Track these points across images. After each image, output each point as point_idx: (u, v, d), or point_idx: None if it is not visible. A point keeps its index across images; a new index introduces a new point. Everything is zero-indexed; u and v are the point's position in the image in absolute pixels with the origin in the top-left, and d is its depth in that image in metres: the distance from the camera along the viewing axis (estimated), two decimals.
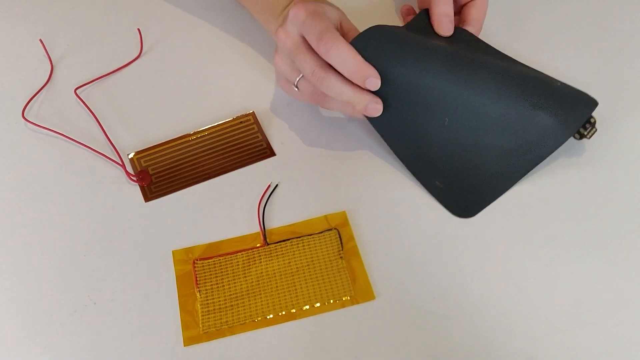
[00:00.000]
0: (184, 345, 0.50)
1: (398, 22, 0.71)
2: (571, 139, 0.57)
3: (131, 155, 0.62)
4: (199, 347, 0.50)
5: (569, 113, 0.56)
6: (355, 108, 0.55)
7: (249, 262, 0.54)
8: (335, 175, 0.60)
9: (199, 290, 0.53)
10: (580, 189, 0.57)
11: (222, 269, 0.54)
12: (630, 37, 0.68)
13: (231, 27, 0.72)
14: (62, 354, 0.50)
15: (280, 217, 0.57)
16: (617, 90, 0.64)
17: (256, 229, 0.56)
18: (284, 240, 0.55)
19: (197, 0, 0.74)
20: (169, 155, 0.61)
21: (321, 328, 0.51)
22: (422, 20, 0.62)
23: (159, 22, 0.72)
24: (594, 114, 0.57)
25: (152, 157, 0.61)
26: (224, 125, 0.63)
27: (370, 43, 0.55)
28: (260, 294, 0.53)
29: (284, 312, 0.52)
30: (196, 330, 0.51)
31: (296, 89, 0.58)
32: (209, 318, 0.51)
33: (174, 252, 0.55)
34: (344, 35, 0.57)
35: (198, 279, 0.53)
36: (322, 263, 0.54)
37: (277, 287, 0.53)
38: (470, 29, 0.62)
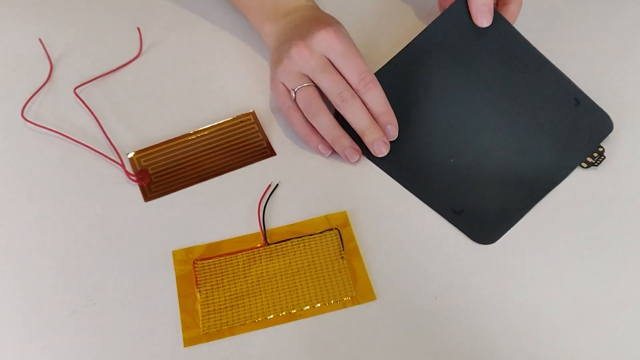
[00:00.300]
0: (184, 346, 0.50)
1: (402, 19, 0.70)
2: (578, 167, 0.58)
3: (131, 155, 0.61)
4: (199, 348, 0.50)
5: (577, 144, 0.58)
6: (365, 138, 0.59)
7: (249, 262, 0.54)
8: (336, 174, 0.59)
9: (199, 291, 0.53)
10: (580, 190, 0.57)
11: (222, 269, 0.54)
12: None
13: (231, 26, 0.71)
14: (62, 354, 0.50)
15: (280, 217, 0.57)
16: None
17: (256, 229, 0.56)
18: (284, 241, 0.55)
19: None
20: (168, 155, 0.61)
21: (322, 328, 0.51)
22: (459, 10, 0.61)
23: (159, 21, 0.72)
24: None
25: (151, 156, 0.61)
26: (224, 125, 0.63)
27: (386, 79, 0.60)
28: (261, 295, 0.52)
29: (284, 313, 0.51)
30: (196, 330, 0.51)
31: (292, 101, 0.60)
32: (209, 318, 0.51)
33: (174, 253, 0.55)
34: None
35: (198, 279, 0.53)
36: (322, 263, 0.54)
37: (277, 287, 0.53)
38: (511, 7, 0.63)
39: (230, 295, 0.52)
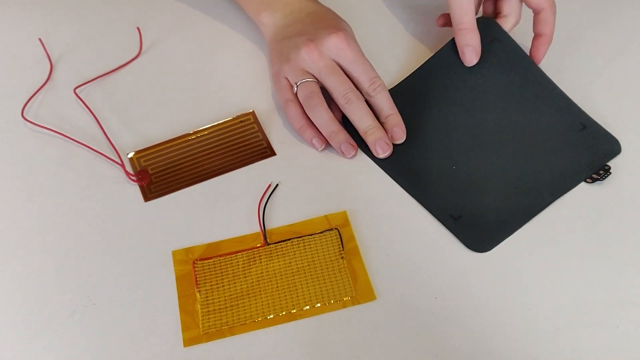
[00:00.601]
0: (184, 346, 0.50)
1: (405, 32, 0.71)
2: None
3: (131, 155, 0.61)
4: (199, 348, 0.50)
5: (581, 164, 0.58)
6: (368, 138, 0.59)
7: (249, 262, 0.54)
8: (336, 174, 0.59)
9: (199, 291, 0.53)
10: (583, 202, 0.57)
11: (222, 269, 0.54)
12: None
13: (231, 26, 0.71)
14: (61, 354, 0.50)
15: (280, 217, 0.57)
16: None
17: (256, 229, 0.56)
18: (284, 240, 0.55)
19: None
20: (168, 155, 0.61)
21: (322, 328, 0.51)
22: (451, 49, 0.64)
23: (159, 21, 0.72)
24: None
25: (151, 156, 0.61)
26: (224, 125, 0.63)
27: (401, 94, 0.62)
28: (261, 294, 0.52)
29: (284, 313, 0.51)
30: (196, 330, 0.51)
31: (292, 94, 0.61)
32: (209, 318, 0.51)
33: (173, 253, 0.55)
34: None
35: (198, 279, 0.53)
36: (322, 263, 0.54)
37: (277, 287, 0.53)
38: (542, 39, 0.63)
39: (230, 295, 0.52)
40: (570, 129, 0.60)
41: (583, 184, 0.57)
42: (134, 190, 0.59)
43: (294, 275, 0.53)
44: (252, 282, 0.53)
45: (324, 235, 0.55)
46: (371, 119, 0.59)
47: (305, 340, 0.50)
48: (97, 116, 0.64)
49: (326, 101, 0.60)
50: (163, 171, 0.60)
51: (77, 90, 0.66)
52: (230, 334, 0.51)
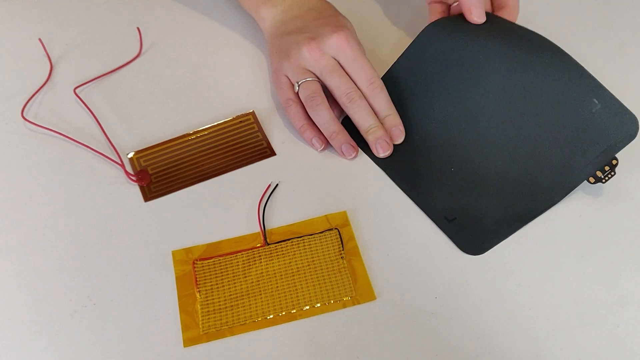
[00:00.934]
0: (184, 346, 0.50)
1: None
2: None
3: (130, 155, 0.61)
4: (199, 348, 0.50)
5: (589, 155, 0.54)
6: (369, 137, 0.59)
7: (249, 262, 0.54)
8: (335, 174, 0.59)
9: (199, 291, 0.53)
10: (580, 190, 0.57)
11: (222, 269, 0.54)
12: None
13: (231, 26, 0.71)
14: (62, 354, 0.50)
15: (280, 217, 0.57)
16: None
17: (256, 229, 0.56)
18: (284, 240, 0.55)
19: None
20: (168, 155, 0.61)
21: (322, 328, 0.51)
22: (436, 33, 0.60)
23: (159, 21, 0.72)
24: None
25: (151, 156, 0.61)
26: (224, 125, 0.63)
27: (391, 83, 0.61)
28: (261, 294, 0.52)
29: (284, 313, 0.51)
30: (196, 330, 0.51)
31: (293, 93, 0.61)
32: (208, 318, 0.51)
33: (173, 253, 0.55)
34: None
35: (198, 279, 0.53)
36: (322, 263, 0.54)
37: (277, 287, 0.53)
38: (507, 11, 0.62)
39: (230, 295, 0.52)
40: (581, 108, 0.53)
41: (586, 184, 0.56)
42: (134, 190, 0.59)
43: (293, 275, 0.53)
44: (252, 282, 0.53)
45: (324, 235, 0.55)
46: (373, 118, 0.60)
47: (305, 340, 0.50)
48: (97, 116, 0.64)
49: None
50: (163, 171, 0.60)
51: (77, 90, 0.66)
52: (230, 334, 0.51)
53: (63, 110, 0.65)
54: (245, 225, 0.56)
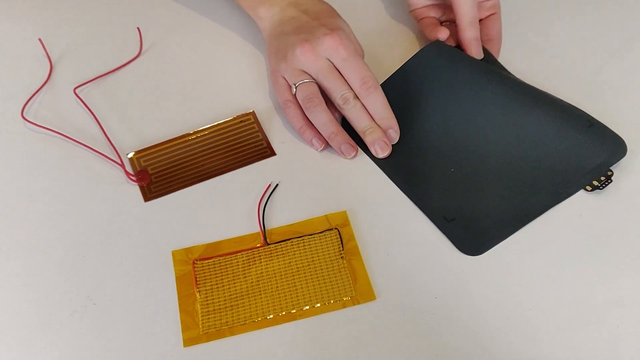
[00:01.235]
0: (184, 346, 0.50)
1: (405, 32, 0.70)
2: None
3: (130, 155, 0.61)
4: (199, 348, 0.50)
5: (584, 167, 0.56)
6: (366, 138, 0.59)
7: (249, 262, 0.54)
8: (335, 174, 0.59)
9: (199, 291, 0.53)
10: (581, 194, 0.57)
11: (222, 269, 0.54)
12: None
13: (231, 26, 0.71)
14: (61, 354, 0.50)
15: (280, 217, 0.57)
16: None
17: (256, 229, 0.56)
18: (284, 240, 0.55)
19: None
20: (168, 155, 0.61)
21: (322, 328, 0.51)
22: (439, 48, 0.63)
23: (159, 21, 0.72)
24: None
25: (151, 156, 0.61)
26: (224, 125, 0.63)
27: (392, 89, 0.62)
28: (261, 294, 0.52)
29: (284, 313, 0.51)
30: (196, 330, 0.51)
31: (291, 95, 0.61)
32: (208, 318, 0.51)
33: (173, 253, 0.55)
34: None
35: (198, 279, 0.53)
36: (322, 263, 0.54)
37: (277, 287, 0.53)
38: (494, 43, 0.66)
39: (230, 295, 0.52)
40: (574, 128, 0.57)
41: (583, 192, 0.56)
42: (134, 190, 0.59)
43: (293, 275, 0.53)
44: (252, 282, 0.53)
45: (324, 235, 0.55)
46: (368, 119, 0.60)
47: (305, 340, 0.50)
48: (97, 116, 0.64)
49: (325, 102, 0.60)
50: (163, 171, 0.60)
51: (77, 90, 0.66)
52: (230, 334, 0.51)
53: (63, 110, 0.65)
54: (245, 225, 0.56)
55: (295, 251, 0.54)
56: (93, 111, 0.64)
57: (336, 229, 0.55)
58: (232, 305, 0.52)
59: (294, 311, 0.51)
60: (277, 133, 0.62)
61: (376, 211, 0.57)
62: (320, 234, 0.55)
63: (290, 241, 0.55)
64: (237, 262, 0.54)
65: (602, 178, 0.56)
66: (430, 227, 0.56)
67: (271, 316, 0.51)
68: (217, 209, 0.57)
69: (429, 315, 0.51)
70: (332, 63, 0.60)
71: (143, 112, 0.65)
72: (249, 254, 0.54)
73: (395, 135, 0.60)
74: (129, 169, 0.60)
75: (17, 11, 0.74)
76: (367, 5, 0.73)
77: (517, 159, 0.58)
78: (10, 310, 0.52)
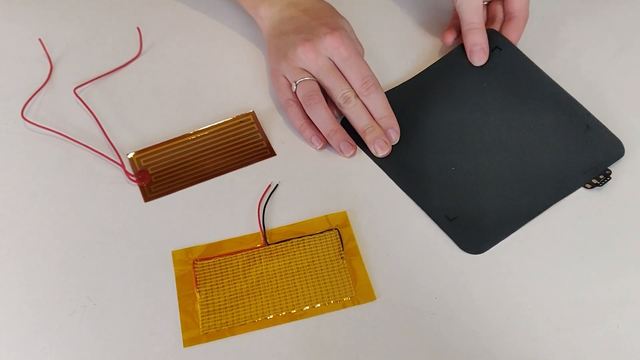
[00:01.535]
0: (184, 346, 0.50)
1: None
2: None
3: (130, 155, 0.61)
4: (199, 348, 0.50)
5: (583, 166, 0.57)
6: (366, 137, 0.59)
7: (249, 262, 0.54)
8: (336, 174, 0.59)
9: (199, 291, 0.53)
10: (580, 191, 0.57)
11: (222, 269, 0.54)
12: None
13: (231, 26, 0.71)
14: (61, 354, 0.50)
15: (280, 217, 0.57)
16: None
17: (256, 229, 0.56)
18: (284, 241, 0.55)
19: None
20: (168, 155, 0.61)
21: (322, 329, 0.51)
22: (458, 54, 0.65)
23: (159, 21, 0.72)
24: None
25: (151, 156, 0.61)
26: (224, 125, 0.63)
27: (398, 97, 0.62)
28: (261, 295, 0.52)
29: (284, 313, 0.51)
30: (196, 331, 0.51)
31: (292, 93, 0.61)
32: (208, 319, 0.51)
33: (173, 253, 0.55)
34: None
35: (198, 279, 0.53)
36: (322, 263, 0.54)
37: (277, 287, 0.53)
38: (513, 22, 0.64)
39: (230, 295, 0.52)
40: (574, 128, 0.59)
41: (583, 189, 0.57)
42: (134, 190, 0.59)
43: (293, 276, 0.53)
44: (252, 283, 0.53)
45: (324, 235, 0.55)
46: (369, 118, 0.60)
47: (305, 340, 0.50)
48: (97, 116, 0.64)
49: (325, 100, 0.60)
50: (163, 171, 0.60)
51: (77, 91, 0.66)
52: (230, 334, 0.51)
53: (63, 110, 0.65)
54: (245, 225, 0.56)
55: (295, 251, 0.54)
56: (93, 111, 0.64)
57: (336, 229, 0.55)
58: (232, 306, 0.52)
59: (294, 311, 0.51)
60: (277, 133, 0.62)
61: (376, 211, 0.57)
62: (320, 234, 0.55)
63: (290, 241, 0.55)
64: (237, 262, 0.54)
65: (601, 176, 0.56)
66: (429, 228, 0.56)
67: (271, 316, 0.51)
68: (217, 209, 0.57)
69: (429, 315, 0.51)
70: (333, 62, 0.60)
71: (143, 112, 0.65)
72: (249, 254, 0.54)
73: (395, 135, 0.60)
74: (129, 169, 0.60)
75: (17, 11, 0.74)
76: (375, 4, 0.73)
77: (517, 158, 0.59)
78: (10, 310, 0.52)
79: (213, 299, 0.52)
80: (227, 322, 0.51)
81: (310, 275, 0.53)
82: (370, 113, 0.60)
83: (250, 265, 0.54)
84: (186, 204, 0.58)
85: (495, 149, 0.59)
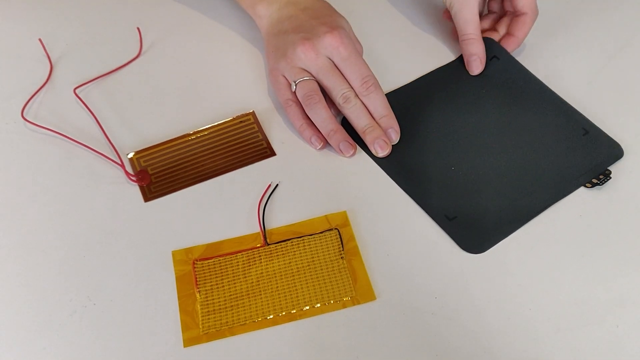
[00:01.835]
0: (184, 346, 0.50)
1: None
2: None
3: (130, 155, 0.61)
4: (199, 348, 0.50)
5: (582, 167, 0.58)
6: (366, 137, 0.59)
7: (249, 262, 0.54)
8: (335, 174, 0.59)
9: (199, 291, 0.53)
10: (580, 190, 0.57)
11: (222, 269, 0.54)
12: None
13: (231, 26, 0.71)
14: (61, 355, 0.50)
15: (280, 217, 0.57)
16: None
17: (256, 229, 0.56)
18: (284, 241, 0.55)
19: None
20: (168, 155, 0.61)
21: (322, 329, 0.51)
22: (458, 63, 0.66)
23: (159, 21, 0.72)
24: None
25: (151, 156, 0.61)
26: (224, 125, 0.63)
27: (400, 98, 0.63)
28: (261, 295, 0.52)
29: (284, 313, 0.51)
30: (196, 331, 0.51)
31: (291, 93, 0.61)
32: (208, 319, 0.51)
33: (173, 253, 0.55)
34: None
35: (198, 279, 0.53)
36: (322, 263, 0.54)
37: (277, 287, 0.53)
38: (510, 40, 0.65)
39: (230, 295, 0.52)
40: (572, 133, 0.60)
41: (583, 189, 0.57)
42: (134, 190, 0.59)
43: (293, 276, 0.53)
44: (252, 283, 0.53)
45: (324, 235, 0.55)
46: (368, 118, 0.60)
47: (305, 340, 0.50)
48: (97, 116, 0.64)
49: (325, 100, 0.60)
50: (163, 171, 0.60)
51: (77, 91, 0.66)
52: (230, 334, 0.51)
53: (63, 110, 0.65)
54: (245, 225, 0.56)
55: (295, 251, 0.54)
56: (93, 111, 0.64)
57: (336, 229, 0.55)
58: (232, 306, 0.52)
59: (294, 311, 0.51)
60: (277, 133, 0.62)
61: (376, 211, 0.57)
62: (320, 234, 0.55)
63: (290, 241, 0.55)
64: (237, 262, 0.54)
65: (601, 176, 0.57)
66: (429, 227, 0.56)
67: (271, 316, 0.51)
68: (217, 209, 0.57)
69: (429, 315, 0.51)
70: (333, 62, 0.60)
71: (143, 112, 0.65)
72: (249, 254, 0.54)
73: (395, 135, 0.60)
74: (129, 169, 0.60)
75: (17, 11, 0.74)
76: (378, 5, 0.73)
77: (517, 158, 0.59)
78: (10, 310, 0.52)
79: (213, 299, 0.52)
80: (227, 322, 0.51)
81: (310, 275, 0.53)
82: (370, 113, 0.60)
83: (250, 265, 0.54)
84: (186, 204, 0.58)
85: (495, 149, 0.59)
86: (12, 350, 0.50)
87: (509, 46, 0.65)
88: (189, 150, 0.61)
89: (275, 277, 0.53)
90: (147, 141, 0.62)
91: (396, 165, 0.59)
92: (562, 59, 0.67)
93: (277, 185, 0.59)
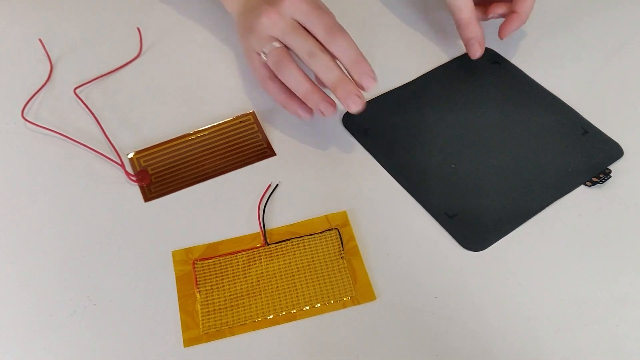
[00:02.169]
0: (184, 346, 0.50)
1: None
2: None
3: (131, 155, 0.61)
4: (199, 348, 0.50)
5: (582, 167, 0.58)
6: (337, 92, 0.55)
7: (249, 262, 0.54)
8: (335, 174, 0.59)
9: (199, 291, 0.53)
10: (580, 190, 0.57)
11: (222, 269, 0.54)
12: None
13: (231, 26, 0.71)
14: (61, 355, 0.50)
15: (280, 217, 0.57)
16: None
17: (256, 229, 0.56)
18: (284, 241, 0.55)
19: None
20: (168, 155, 0.61)
21: (322, 329, 0.51)
22: (458, 63, 0.67)
23: (159, 21, 0.72)
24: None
25: (151, 156, 0.61)
26: (224, 125, 0.63)
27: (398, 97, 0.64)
28: (261, 295, 0.52)
29: (284, 313, 0.51)
30: (196, 331, 0.51)
31: (268, 70, 0.59)
32: (209, 319, 0.51)
33: (173, 253, 0.55)
34: None
35: (198, 279, 0.53)
36: (322, 263, 0.54)
37: (277, 287, 0.53)
38: (514, 17, 0.64)
39: (230, 295, 0.52)
40: (571, 132, 0.60)
41: (582, 186, 0.57)
42: (134, 190, 0.59)
43: (293, 276, 0.53)
44: (252, 282, 0.53)
45: (324, 235, 0.55)
46: (337, 71, 0.55)
47: (305, 340, 0.50)
48: (97, 116, 0.64)
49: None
50: (163, 171, 0.60)
51: (77, 91, 0.66)
52: (230, 334, 0.51)
53: (63, 110, 0.65)
54: (245, 225, 0.56)
55: (295, 251, 0.55)
56: (93, 111, 0.64)
57: (336, 229, 0.55)
58: (232, 306, 0.52)
59: (294, 311, 0.51)
60: (277, 133, 0.62)
61: (376, 211, 0.57)
62: (320, 234, 0.55)
63: (290, 241, 0.55)
64: (237, 262, 0.54)
65: (601, 175, 0.57)
66: (430, 227, 0.56)
67: (271, 316, 0.51)
68: (217, 209, 0.57)
69: (429, 315, 0.51)
70: (298, 21, 0.57)
71: (143, 112, 0.65)
72: (249, 254, 0.54)
73: (370, 81, 0.55)
74: (129, 169, 0.60)
75: (17, 11, 0.74)
76: (381, 5, 0.73)
77: (517, 156, 0.59)
78: (10, 310, 0.52)
79: (213, 299, 0.52)
80: (227, 322, 0.51)
81: (310, 275, 0.53)
82: (338, 65, 0.56)
83: (250, 265, 0.54)
84: (186, 204, 0.58)
85: (495, 147, 0.60)
86: (12, 350, 0.50)
87: (513, 24, 0.64)
88: (189, 150, 0.61)
89: (275, 277, 0.53)
90: (147, 141, 0.62)
91: (396, 162, 0.59)
92: (562, 59, 0.67)
93: (277, 185, 0.59)
